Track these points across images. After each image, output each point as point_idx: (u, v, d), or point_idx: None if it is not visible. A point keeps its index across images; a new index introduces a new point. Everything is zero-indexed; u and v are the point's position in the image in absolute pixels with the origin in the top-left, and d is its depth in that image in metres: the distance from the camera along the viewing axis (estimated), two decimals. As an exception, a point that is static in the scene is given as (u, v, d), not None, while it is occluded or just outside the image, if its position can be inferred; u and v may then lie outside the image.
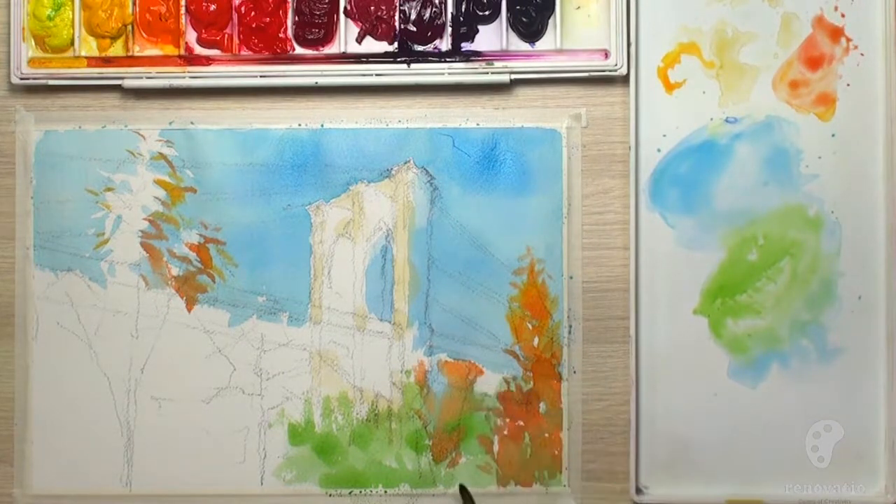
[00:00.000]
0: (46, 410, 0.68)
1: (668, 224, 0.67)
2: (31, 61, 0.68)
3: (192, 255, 0.68)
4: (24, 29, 0.67)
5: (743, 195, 0.67)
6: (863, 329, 0.67)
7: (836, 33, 0.67)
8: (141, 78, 0.67)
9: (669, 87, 0.67)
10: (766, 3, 0.67)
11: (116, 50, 0.68)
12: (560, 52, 0.67)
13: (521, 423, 0.68)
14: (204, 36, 0.68)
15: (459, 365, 0.68)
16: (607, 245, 0.68)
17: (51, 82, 0.68)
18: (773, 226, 0.67)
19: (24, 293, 0.68)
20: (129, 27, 0.68)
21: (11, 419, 0.68)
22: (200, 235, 0.68)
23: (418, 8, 0.68)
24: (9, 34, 0.68)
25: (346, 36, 0.68)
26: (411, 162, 0.68)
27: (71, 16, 0.68)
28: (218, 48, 0.68)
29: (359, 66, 0.67)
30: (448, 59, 0.67)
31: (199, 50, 0.68)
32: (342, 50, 0.68)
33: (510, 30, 0.68)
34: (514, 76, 0.67)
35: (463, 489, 0.67)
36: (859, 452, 0.67)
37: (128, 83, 0.67)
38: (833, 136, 0.67)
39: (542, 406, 0.68)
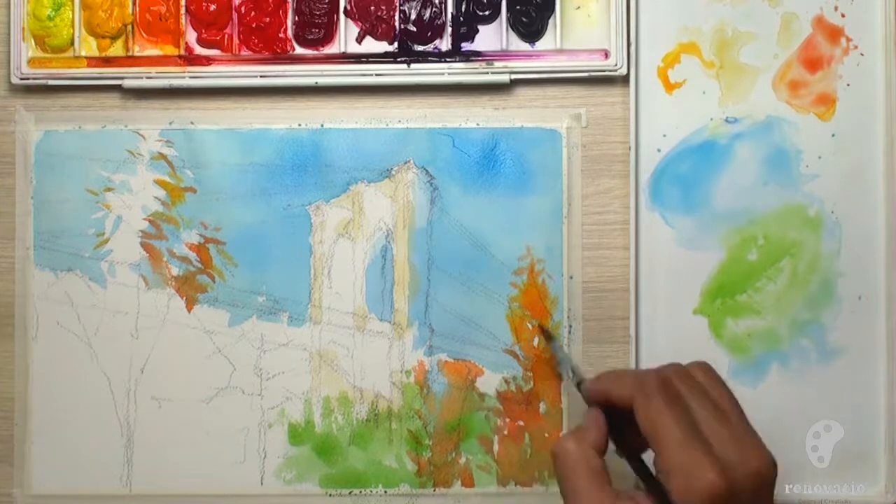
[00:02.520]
0: (46, 410, 0.68)
1: (668, 224, 0.67)
2: (31, 61, 0.68)
3: (192, 255, 0.68)
4: (24, 29, 0.67)
5: (743, 195, 0.67)
6: (863, 329, 0.67)
7: (835, 33, 0.67)
8: (141, 78, 0.67)
9: (669, 87, 0.67)
10: (766, 3, 0.67)
11: (116, 50, 0.68)
12: (560, 52, 0.67)
13: (521, 423, 0.68)
14: (204, 36, 0.68)
15: (459, 365, 0.68)
16: (607, 245, 0.68)
17: (51, 82, 0.68)
18: (773, 226, 0.67)
19: (24, 293, 0.68)
20: (129, 27, 0.68)
21: (11, 419, 0.68)
22: (200, 235, 0.68)
23: (418, 8, 0.68)
24: (9, 34, 0.68)
25: (346, 36, 0.68)
26: (411, 162, 0.68)
27: (71, 16, 0.68)
28: (218, 48, 0.68)
29: (359, 66, 0.67)
30: (448, 59, 0.67)
31: (199, 50, 0.68)
32: (342, 50, 0.68)
33: (510, 30, 0.68)
34: (514, 76, 0.67)
35: (542, 327, 0.66)
36: (859, 452, 0.67)
37: (128, 83, 0.67)
38: (833, 136, 0.67)
39: (542, 406, 0.68)
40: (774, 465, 0.50)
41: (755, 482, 0.48)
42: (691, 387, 0.52)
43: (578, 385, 0.59)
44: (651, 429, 0.49)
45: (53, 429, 0.68)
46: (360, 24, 0.68)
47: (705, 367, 0.55)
